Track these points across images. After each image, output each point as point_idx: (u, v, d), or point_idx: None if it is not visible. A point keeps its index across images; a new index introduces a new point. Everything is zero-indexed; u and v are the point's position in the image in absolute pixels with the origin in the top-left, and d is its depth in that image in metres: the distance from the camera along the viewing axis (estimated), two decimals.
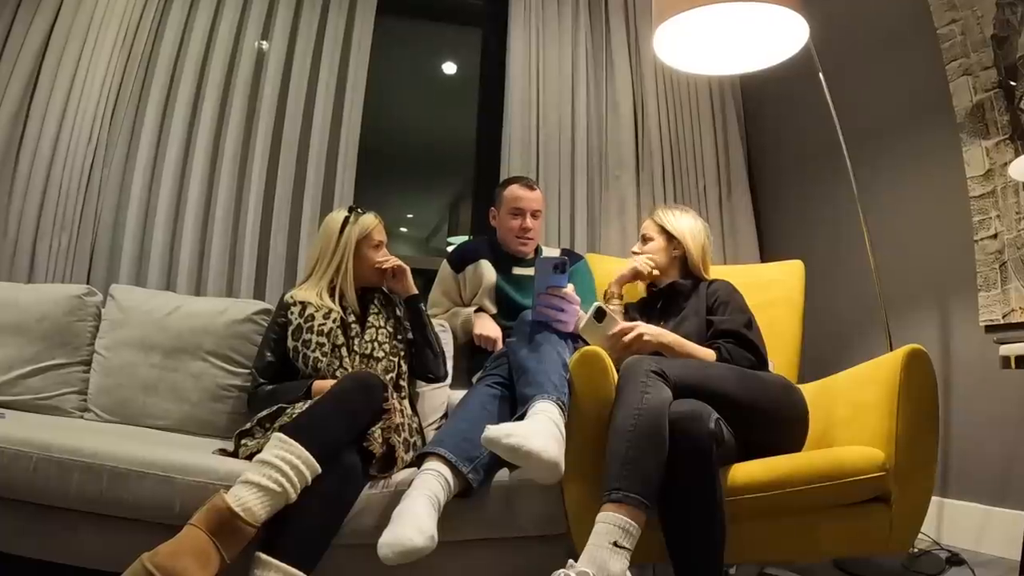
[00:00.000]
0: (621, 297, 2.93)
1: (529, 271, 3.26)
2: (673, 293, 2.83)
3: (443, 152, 5.77)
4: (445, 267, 3.42)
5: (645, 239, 2.96)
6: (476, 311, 3.21)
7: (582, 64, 4.61)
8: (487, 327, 3.11)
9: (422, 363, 2.84)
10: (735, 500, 2.06)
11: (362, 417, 2.21)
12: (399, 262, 2.83)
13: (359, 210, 2.87)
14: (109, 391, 2.91)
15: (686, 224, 2.91)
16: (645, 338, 2.45)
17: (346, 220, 2.82)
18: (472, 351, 3.17)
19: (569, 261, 3.27)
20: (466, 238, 4.53)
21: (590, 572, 1.78)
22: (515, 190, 3.34)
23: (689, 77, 4.71)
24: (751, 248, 4.55)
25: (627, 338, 2.45)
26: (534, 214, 3.31)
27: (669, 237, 2.91)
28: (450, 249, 3.64)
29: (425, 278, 3.44)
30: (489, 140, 4.55)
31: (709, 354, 2.46)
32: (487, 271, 3.28)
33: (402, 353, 2.77)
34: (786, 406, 2.33)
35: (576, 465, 2.14)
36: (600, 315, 2.49)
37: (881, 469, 2.03)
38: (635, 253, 2.98)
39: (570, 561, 1.82)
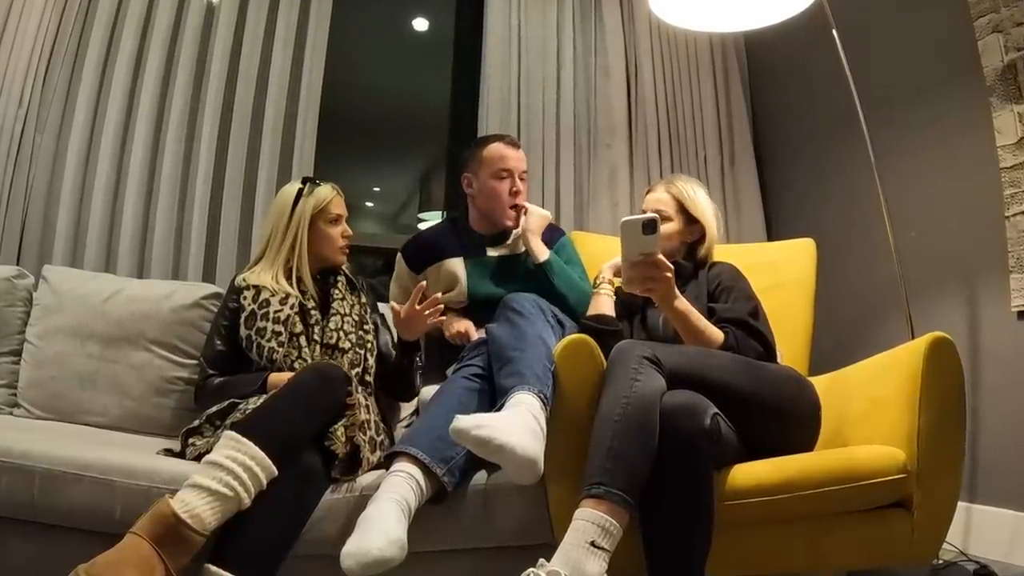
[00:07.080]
0: (612, 283, 2.88)
1: (503, 251, 3.19)
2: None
3: (413, 119, 5.75)
4: (402, 264, 3.28)
5: (661, 217, 2.73)
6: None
7: (568, 20, 4.58)
8: (457, 323, 3.03)
9: (395, 388, 2.89)
10: (737, 504, 2.07)
11: (323, 413, 2.20)
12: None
13: (315, 181, 2.86)
14: (41, 384, 2.88)
15: (708, 205, 2.85)
16: (669, 281, 2.31)
17: (300, 193, 2.81)
18: (444, 342, 3.10)
19: (553, 236, 3.25)
20: (439, 214, 4.50)
21: (562, 573, 1.78)
22: (499, 148, 3.14)
23: (688, 35, 4.69)
24: (757, 225, 4.55)
25: (654, 273, 2.28)
26: (522, 176, 3.15)
27: (689, 219, 2.84)
28: (421, 224, 3.57)
29: (392, 259, 3.40)
30: (464, 105, 4.53)
31: (717, 334, 2.43)
32: (457, 273, 3.13)
33: (369, 345, 2.77)
34: (796, 401, 2.33)
35: (560, 465, 2.15)
36: (651, 227, 2.23)
37: (902, 471, 2.04)
38: None
39: (541, 560, 1.83)
